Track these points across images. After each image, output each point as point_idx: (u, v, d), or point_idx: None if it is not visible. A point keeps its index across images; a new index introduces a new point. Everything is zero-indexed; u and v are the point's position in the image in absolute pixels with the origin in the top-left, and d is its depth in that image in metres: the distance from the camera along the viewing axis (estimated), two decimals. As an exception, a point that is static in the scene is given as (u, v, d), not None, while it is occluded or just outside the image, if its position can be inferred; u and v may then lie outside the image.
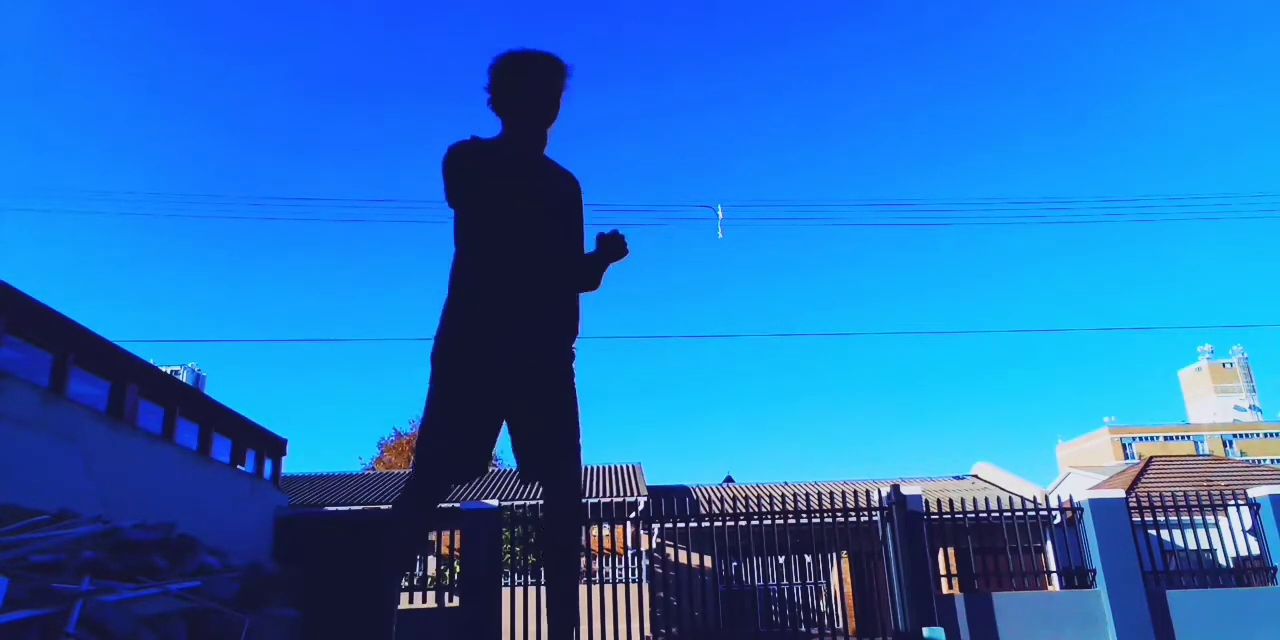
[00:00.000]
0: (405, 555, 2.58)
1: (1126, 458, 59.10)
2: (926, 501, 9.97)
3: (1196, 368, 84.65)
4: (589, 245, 2.63)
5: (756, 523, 10.40)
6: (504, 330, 2.41)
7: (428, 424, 2.42)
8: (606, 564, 13.99)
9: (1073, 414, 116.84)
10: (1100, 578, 9.48)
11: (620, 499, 20.07)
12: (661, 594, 11.69)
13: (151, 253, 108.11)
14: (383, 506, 17.63)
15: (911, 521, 9.69)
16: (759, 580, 10.82)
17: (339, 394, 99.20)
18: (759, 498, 11.49)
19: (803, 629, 12.58)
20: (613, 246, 2.54)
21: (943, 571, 9.75)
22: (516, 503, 18.38)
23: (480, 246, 2.46)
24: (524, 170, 2.52)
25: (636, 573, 14.48)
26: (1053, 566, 11.54)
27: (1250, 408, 79.06)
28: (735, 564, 11.00)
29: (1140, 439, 66.38)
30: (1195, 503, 10.20)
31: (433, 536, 10.98)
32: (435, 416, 2.41)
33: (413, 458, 2.53)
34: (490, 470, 30.87)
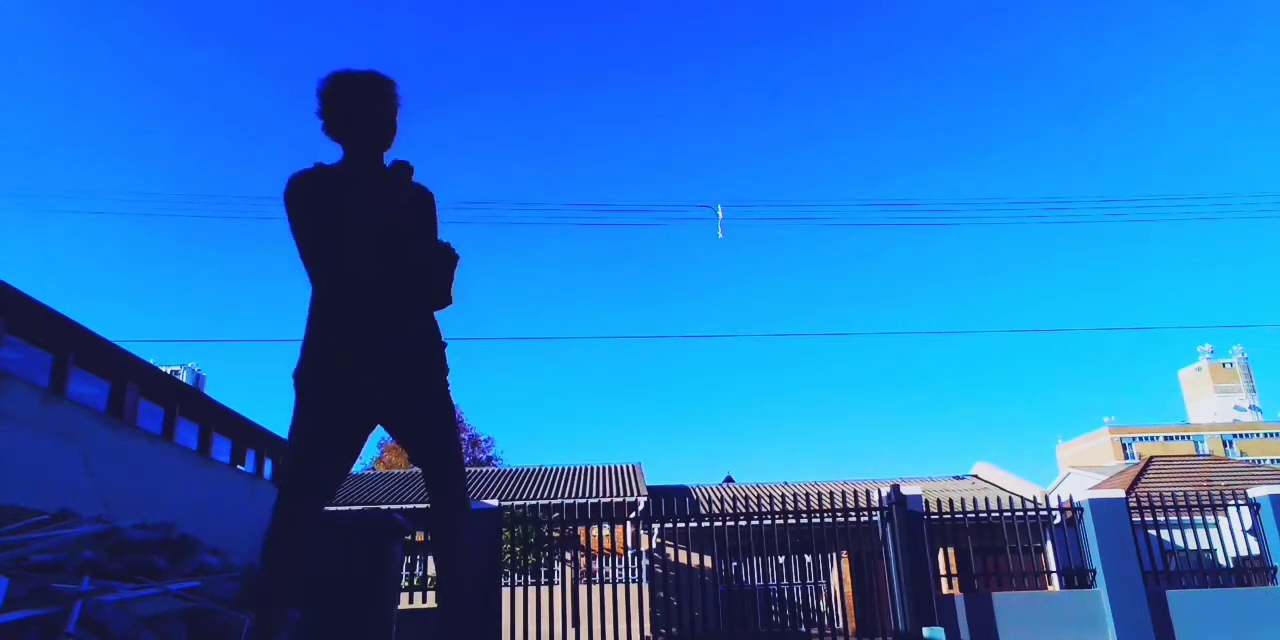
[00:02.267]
0: (284, 589, 2.37)
1: (1126, 458, 59.11)
2: (926, 501, 9.97)
3: (1196, 368, 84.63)
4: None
5: (756, 523, 10.39)
6: (362, 351, 2.43)
7: (295, 447, 2.41)
8: (606, 564, 13.99)
9: (1073, 414, 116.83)
10: (1100, 578, 9.48)
11: (620, 499, 20.07)
12: (661, 594, 11.69)
13: (151, 253, 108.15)
14: (383, 506, 17.63)
15: (911, 521, 9.69)
16: (759, 580, 10.82)
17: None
18: (759, 498, 11.49)
19: (803, 629, 12.58)
20: (442, 259, 2.57)
21: (943, 571, 9.75)
22: (516, 503, 18.40)
23: (323, 271, 2.46)
24: (366, 196, 2.50)
25: (636, 573, 14.49)
26: (1053, 566, 11.55)
27: (1250, 408, 79.04)
28: (735, 564, 11.00)
29: (1140, 439, 66.38)
30: (1195, 503, 10.20)
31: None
32: (301, 439, 2.41)
33: (280, 480, 2.47)
34: (490, 470, 30.84)
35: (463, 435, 40.01)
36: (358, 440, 2.49)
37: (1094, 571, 9.59)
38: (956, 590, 9.85)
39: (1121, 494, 10.47)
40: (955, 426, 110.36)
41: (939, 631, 8.99)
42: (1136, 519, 9.88)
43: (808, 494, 10.89)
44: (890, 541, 9.86)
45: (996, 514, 10.15)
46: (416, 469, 2.72)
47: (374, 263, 2.46)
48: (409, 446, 2.56)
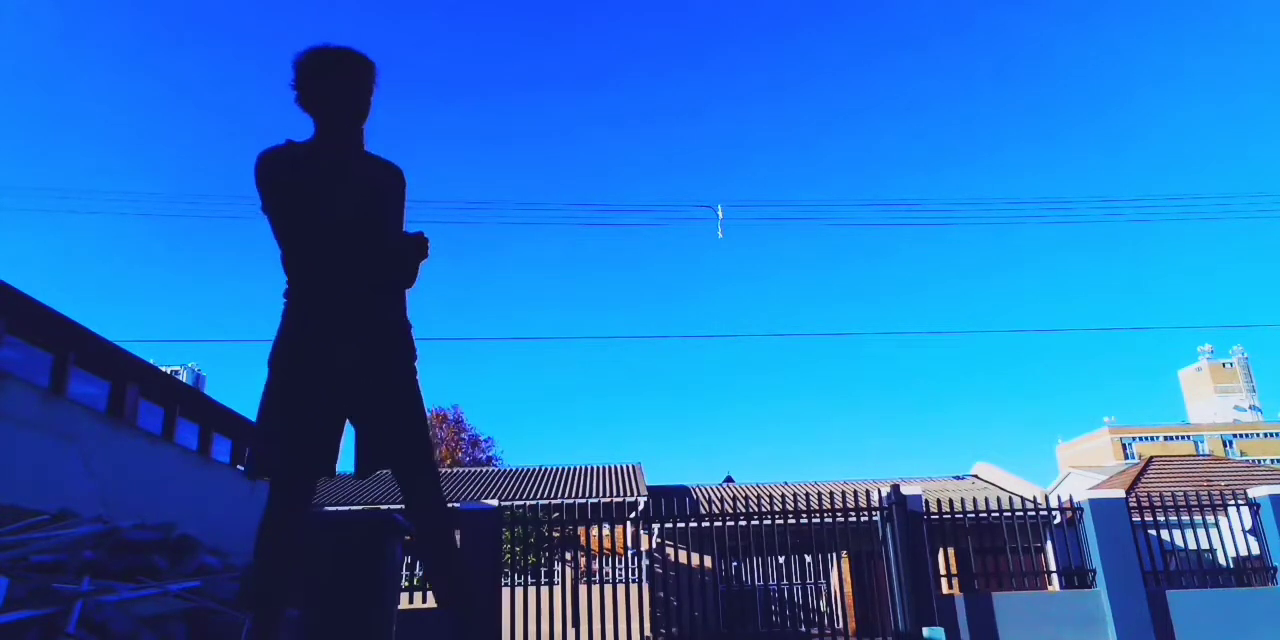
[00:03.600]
0: (280, 586, 2.31)
1: (1126, 458, 59.10)
2: (926, 501, 9.97)
3: (1196, 368, 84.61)
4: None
5: (756, 523, 10.39)
6: (336, 331, 2.43)
7: (266, 426, 2.37)
8: (606, 564, 13.99)
9: (1073, 414, 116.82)
10: (1100, 578, 9.48)
11: (620, 499, 20.06)
12: (661, 594, 11.68)
13: (151, 253, 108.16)
14: (383, 506, 17.62)
15: (911, 521, 9.69)
16: (759, 580, 10.82)
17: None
18: (759, 498, 11.49)
19: (803, 629, 12.58)
20: (415, 248, 2.56)
21: (943, 571, 9.75)
22: (516, 503, 18.40)
23: (296, 253, 2.47)
24: (336, 172, 2.50)
25: (636, 573, 14.48)
26: (1053, 566, 11.55)
27: (1250, 408, 79.03)
28: (735, 564, 11.00)
29: (1140, 439, 66.37)
30: (1195, 503, 10.21)
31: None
32: (273, 417, 2.37)
33: (258, 468, 2.39)
34: (490, 470, 30.82)
35: (462, 435, 39.90)
36: (337, 425, 2.43)
37: (1094, 571, 9.59)
38: (956, 590, 9.85)
39: (1121, 494, 10.47)
40: (955, 426, 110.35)
41: (939, 631, 8.99)
42: (1136, 519, 9.88)
43: (808, 494, 10.89)
44: (890, 541, 9.86)
45: (996, 514, 10.15)
46: None
47: (346, 243, 2.47)
48: (380, 433, 2.47)
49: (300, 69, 2.54)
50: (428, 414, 2.64)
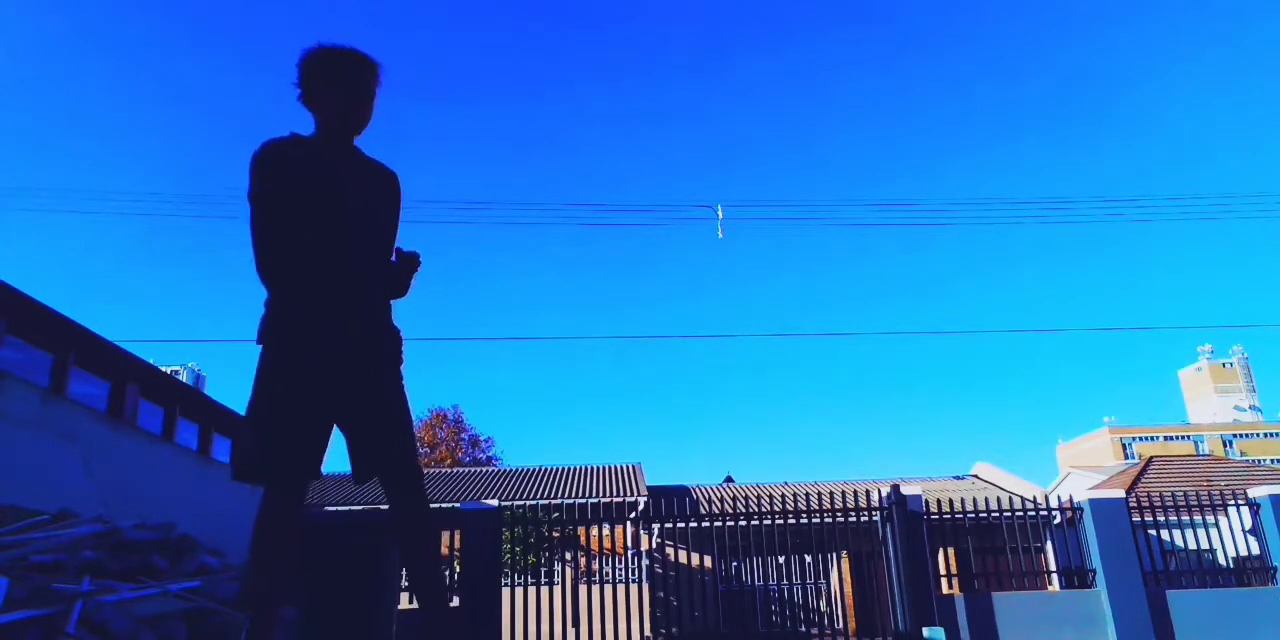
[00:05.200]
0: (274, 589, 2.30)
1: (1126, 458, 59.08)
2: (926, 501, 9.97)
3: (1196, 368, 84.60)
4: (402, 243, 2.66)
5: (756, 523, 10.39)
6: (331, 335, 2.40)
7: (257, 429, 2.34)
8: (606, 564, 14.00)
9: (1073, 414, 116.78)
10: (1100, 578, 9.48)
11: (620, 499, 20.07)
12: (661, 594, 11.69)
13: (151, 253, 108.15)
14: (383, 506, 17.61)
15: (911, 521, 9.68)
16: (759, 580, 10.81)
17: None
18: (759, 498, 11.49)
19: (803, 629, 12.59)
20: (408, 263, 2.59)
21: (943, 571, 9.75)
22: (516, 503, 18.40)
23: (291, 247, 2.43)
24: (339, 174, 2.49)
25: (636, 573, 14.49)
26: (1053, 566, 11.54)
27: (1250, 408, 79.01)
28: (735, 564, 10.99)
29: (1140, 439, 66.37)
30: (1195, 503, 10.20)
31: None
32: (263, 420, 2.34)
33: (238, 461, 2.37)
34: (490, 470, 30.81)
35: (462, 435, 39.97)
36: (326, 429, 2.41)
37: (1094, 571, 9.59)
38: (956, 590, 9.85)
39: (1121, 494, 10.46)
40: (955, 426, 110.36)
41: (939, 631, 8.99)
42: (1136, 519, 9.88)
43: (808, 494, 10.88)
44: (890, 541, 9.86)
45: (996, 514, 10.15)
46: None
47: (349, 247, 2.45)
48: (367, 440, 2.45)
49: (306, 69, 2.51)
50: (421, 419, 2.66)
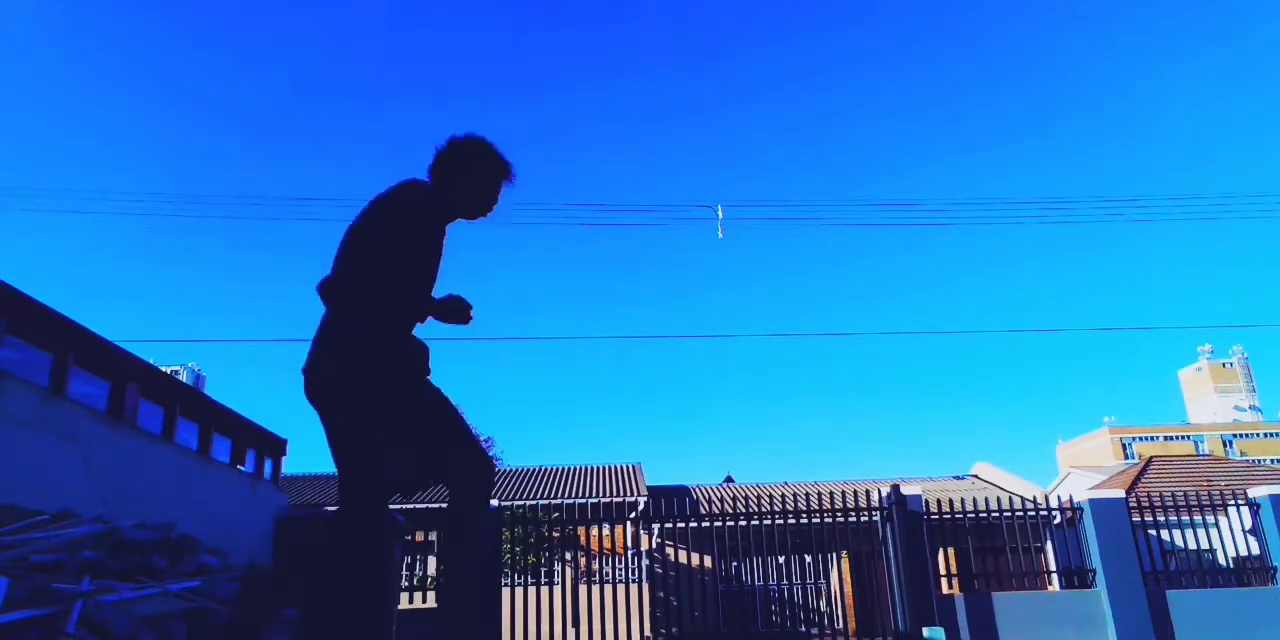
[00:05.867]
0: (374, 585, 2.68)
1: (1126, 458, 59.07)
2: (926, 501, 9.97)
3: (1196, 368, 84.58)
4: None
5: (756, 523, 10.39)
6: (415, 354, 2.67)
7: (384, 444, 2.62)
8: (606, 564, 13.99)
9: (1073, 414, 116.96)
10: (1100, 578, 9.48)
11: (620, 499, 20.07)
12: (661, 594, 11.68)
13: (151, 253, 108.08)
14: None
15: (911, 521, 9.68)
16: (759, 580, 10.81)
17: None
18: (759, 498, 11.49)
19: (803, 629, 12.58)
20: (457, 313, 2.72)
21: (943, 571, 9.75)
22: (516, 503, 18.39)
23: (405, 283, 2.62)
24: (443, 234, 2.76)
25: (636, 573, 14.48)
26: (1053, 566, 11.55)
27: (1250, 408, 78.99)
28: (735, 564, 10.99)
29: (1140, 439, 66.33)
30: (1195, 503, 10.20)
31: (434, 536, 10.98)
32: (388, 434, 2.62)
33: (364, 479, 2.65)
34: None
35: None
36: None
37: (1094, 571, 9.59)
38: (956, 590, 9.85)
39: (1121, 494, 10.46)
40: (955, 426, 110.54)
41: (939, 631, 8.99)
42: (1136, 519, 9.88)
43: (808, 494, 10.89)
44: (890, 541, 9.86)
45: (996, 514, 10.15)
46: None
47: (428, 289, 2.67)
48: (440, 452, 2.74)
49: (461, 154, 2.78)
50: None
